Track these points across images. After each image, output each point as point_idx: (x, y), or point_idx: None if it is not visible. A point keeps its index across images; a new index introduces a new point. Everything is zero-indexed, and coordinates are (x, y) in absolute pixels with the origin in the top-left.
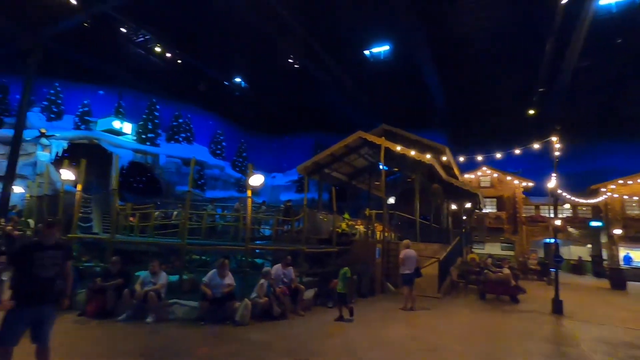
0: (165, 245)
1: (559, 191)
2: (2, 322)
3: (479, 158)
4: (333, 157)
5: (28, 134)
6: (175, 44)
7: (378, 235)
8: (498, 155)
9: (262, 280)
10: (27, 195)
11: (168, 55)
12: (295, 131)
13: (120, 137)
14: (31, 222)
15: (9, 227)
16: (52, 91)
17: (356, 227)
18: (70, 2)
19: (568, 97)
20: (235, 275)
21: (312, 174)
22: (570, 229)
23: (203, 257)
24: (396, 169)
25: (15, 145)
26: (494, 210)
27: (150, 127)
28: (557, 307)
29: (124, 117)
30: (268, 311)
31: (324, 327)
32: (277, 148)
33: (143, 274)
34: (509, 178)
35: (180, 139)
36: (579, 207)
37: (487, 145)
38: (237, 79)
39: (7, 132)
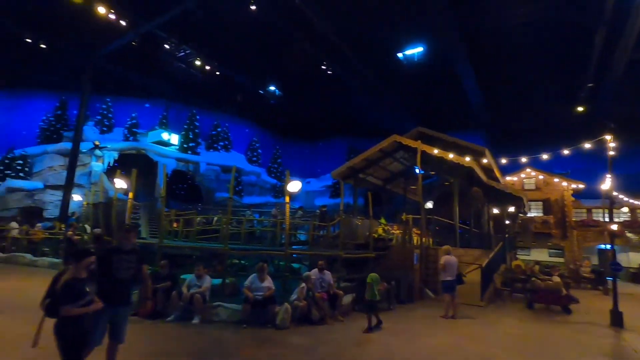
0: (208, 249)
1: (615, 193)
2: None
3: (523, 159)
4: (368, 161)
5: (84, 146)
6: (214, 56)
7: (415, 240)
8: (544, 156)
9: (302, 284)
10: (85, 202)
11: (207, 67)
12: (328, 136)
13: (165, 148)
14: (87, 227)
15: (70, 232)
16: (104, 106)
17: (392, 232)
18: (120, 24)
19: (621, 92)
20: (273, 279)
21: (346, 178)
22: (629, 234)
23: (242, 262)
24: (433, 173)
25: (73, 156)
26: (540, 214)
27: (191, 136)
28: (617, 319)
29: (167, 128)
30: (307, 316)
31: (363, 334)
32: (310, 154)
33: (189, 277)
34: (556, 180)
35: (219, 147)
36: (639, 211)
37: (531, 146)
38: (272, 88)
39: (66, 145)
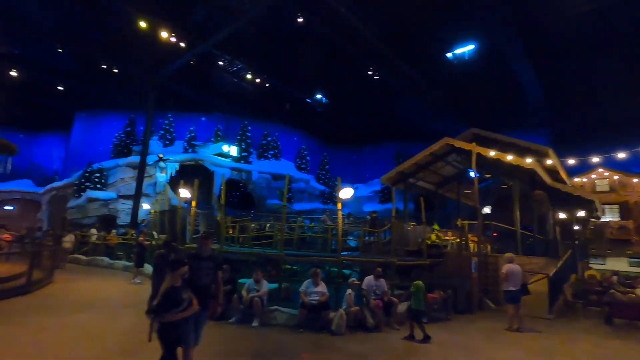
0: (264, 255)
1: None
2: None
3: (594, 159)
4: (418, 165)
5: (150, 159)
6: (263, 69)
7: (472, 247)
8: (620, 155)
9: (349, 291)
10: (152, 211)
11: (257, 80)
12: (376, 141)
13: (222, 158)
14: (155, 234)
15: (141, 238)
16: (166, 121)
17: (446, 238)
18: (179, 46)
19: None
20: (327, 285)
21: (396, 183)
22: None
23: (294, 267)
24: (489, 176)
25: (141, 168)
26: (617, 219)
27: (243, 146)
28: None
29: (222, 140)
30: (362, 322)
31: (419, 343)
32: (358, 159)
33: (247, 282)
34: (635, 180)
35: (269, 156)
36: None
37: (603, 144)
38: (319, 96)
39: (135, 158)
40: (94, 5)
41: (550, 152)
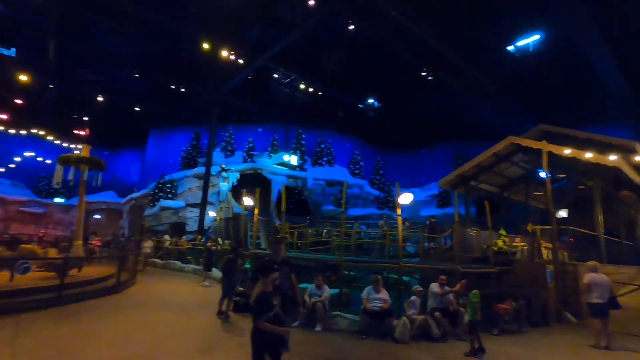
0: (323, 261)
1: None
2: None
3: None
4: (480, 167)
5: (213, 170)
6: (315, 77)
7: (545, 254)
8: None
9: (412, 297)
10: (217, 218)
11: (310, 89)
12: (431, 144)
13: (276, 166)
14: (219, 240)
15: (209, 244)
16: (226, 134)
17: (515, 244)
18: (238, 62)
19: None
20: (388, 292)
21: (456, 187)
22: None
23: (351, 273)
24: (563, 176)
25: (206, 179)
26: None
27: (298, 154)
28: None
29: (278, 149)
30: (427, 332)
31: (490, 356)
32: (413, 163)
33: (309, 287)
34: None
35: (323, 162)
36: None
37: None
38: (371, 100)
39: (200, 169)
40: (164, 32)
41: (638, 146)
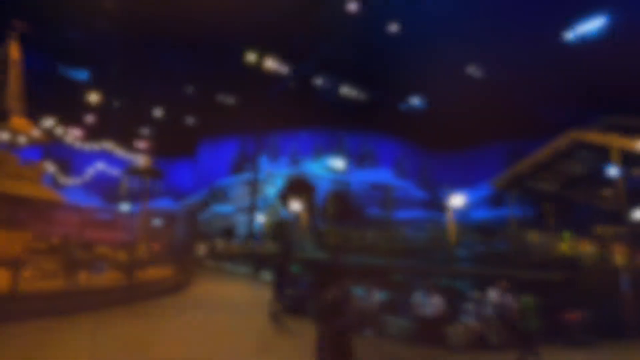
0: (370, 265)
1: None
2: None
3: None
4: (537, 166)
5: (260, 175)
6: (359, 81)
7: (619, 259)
8: None
9: (469, 305)
10: (266, 223)
11: (354, 93)
12: (480, 143)
13: (321, 171)
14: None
15: (258, 248)
16: (271, 140)
17: (580, 249)
18: (280, 72)
19: None
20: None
21: (510, 187)
22: None
23: (399, 278)
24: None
25: (253, 185)
26: None
27: (342, 158)
28: None
29: (322, 153)
30: (483, 339)
31: None
32: (461, 163)
33: (357, 291)
34: None
35: (367, 165)
36: None
37: None
38: (416, 101)
39: (248, 176)
40: (217, 48)
41: None
